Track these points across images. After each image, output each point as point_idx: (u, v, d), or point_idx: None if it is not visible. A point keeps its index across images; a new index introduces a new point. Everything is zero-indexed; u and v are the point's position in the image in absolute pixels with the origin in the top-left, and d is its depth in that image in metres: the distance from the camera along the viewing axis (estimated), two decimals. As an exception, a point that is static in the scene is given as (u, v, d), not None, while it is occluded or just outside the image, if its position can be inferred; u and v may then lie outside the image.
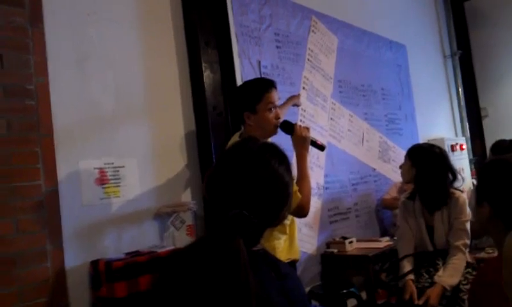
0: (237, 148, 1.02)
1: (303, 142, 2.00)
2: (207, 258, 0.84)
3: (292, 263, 2.03)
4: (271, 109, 2.00)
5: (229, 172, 0.95)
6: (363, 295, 3.11)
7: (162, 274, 0.91)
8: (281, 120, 2.04)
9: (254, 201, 0.92)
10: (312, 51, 3.59)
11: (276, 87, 2.06)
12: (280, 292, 0.92)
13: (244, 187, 0.92)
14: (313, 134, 3.46)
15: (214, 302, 0.81)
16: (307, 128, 2.03)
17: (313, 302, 2.96)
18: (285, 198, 0.99)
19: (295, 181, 1.95)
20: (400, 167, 3.81)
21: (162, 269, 0.93)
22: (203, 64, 2.68)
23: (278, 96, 2.07)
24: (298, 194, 1.90)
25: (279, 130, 2.06)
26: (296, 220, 2.10)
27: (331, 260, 3.31)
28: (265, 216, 0.93)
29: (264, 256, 0.97)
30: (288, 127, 2.04)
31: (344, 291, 2.94)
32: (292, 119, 3.21)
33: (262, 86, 2.03)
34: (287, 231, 2.01)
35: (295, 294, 0.96)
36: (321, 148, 2.12)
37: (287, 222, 2.00)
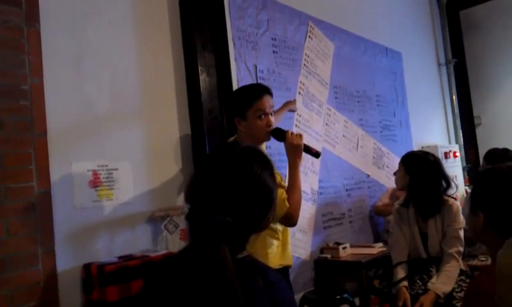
0: (218, 154, 1.00)
1: (294, 149, 1.95)
2: (192, 267, 0.82)
3: (285, 270, 2.02)
4: (260, 116, 1.95)
5: (211, 178, 0.94)
6: (357, 301, 3.10)
7: (149, 283, 0.90)
8: (273, 127, 2.00)
9: (237, 207, 0.90)
10: (308, 56, 3.60)
11: (270, 94, 2.01)
12: (268, 300, 0.91)
13: (226, 193, 0.91)
14: (309, 140, 3.47)
15: None
16: (300, 136, 1.97)
17: (306, 308, 2.95)
18: (268, 203, 0.97)
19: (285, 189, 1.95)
20: (395, 174, 3.85)
21: (149, 278, 0.92)
22: (200, 68, 2.68)
23: (271, 103, 2.01)
24: (286, 202, 1.87)
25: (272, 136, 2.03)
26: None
27: (325, 266, 3.31)
28: (249, 222, 0.92)
29: (250, 263, 0.96)
30: (280, 134, 1.99)
31: (337, 297, 2.94)
32: (287, 125, 3.24)
33: (253, 93, 1.99)
34: (280, 238, 1.99)
35: (284, 302, 0.94)
36: (316, 155, 2.06)
37: (280, 228, 1.99)
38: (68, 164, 2.14)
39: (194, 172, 0.97)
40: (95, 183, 2.23)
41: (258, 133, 1.97)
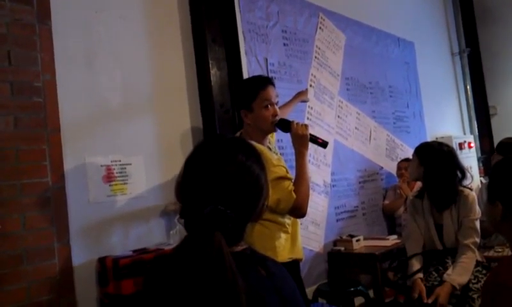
0: (202, 147, 1.00)
1: (300, 140, 1.93)
2: (188, 260, 0.82)
3: (295, 263, 1.99)
4: (267, 106, 1.93)
5: (197, 171, 0.94)
6: (371, 293, 3.09)
7: (148, 279, 0.90)
8: (280, 117, 1.98)
9: (226, 196, 0.90)
10: (319, 48, 3.57)
11: (273, 84, 1.99)
12: (273, 290, 0.90)
13: (214, 183, 0.91)
14: (320, 132, 3.45)
15: (201, 304, 0.79)
16: (305, 126, 1.95)
17: (320, 300, 2.94)
18: (257, 190, 0.96)
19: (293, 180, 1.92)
20: (401, 165, 3.81)
21: (147, 274, 0.92)
22: (210, 62, 2.67)
23: (276, 93, 2.00)
24: (293, 194, 1.85)
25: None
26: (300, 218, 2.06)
27: (338, 258, 3.29)
28: (240, 210, 0.92)
29: (251, 255, 0.96)
30: (285, 125, 1.97)
31: (351, 289, 2.92)
32: (298, 117, 3.22)
33: (257, 84, 1.98)
34: (289, 231, 1.96)
35: (288, 291, 0.94)
36: (323, 145, 2.02)
37: (288, 221, 1.95)
38: (81, 159, 2.16)
39: (181, 170, 0.97)
40: (109, 178, 2.25)
41: (264, 124, 1.95)
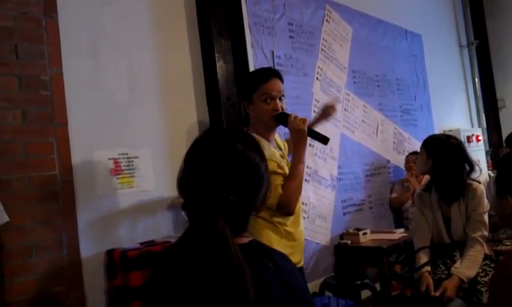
0: (201, 140, 1.00)
1: (297, 134, 1.83)
2: (194, 248, 0.81)
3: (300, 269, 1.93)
4: (266, 100, 1.85)
5: (197, 162, 0.94)
6: (377, 286, 3.08)
7: (155, 271, 0.90)
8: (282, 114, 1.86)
9: (228, 183, 0.90)
10: (325, 41, 3.55)
11: (278, 78, 1.90)
12: (279, 283, 0.90)
13: (214, 172, 0.91)
14: (327, 126, 3.43)
15: (208, 293, 0.79)
16: (304, 120, 1.84)
17: (327, 293, 2.94)
18: (257, 178, 0.96)
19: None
20: (407, 156, 3.80)
21: (154, 266, 0.92)
22: (216, 55, 2.67)
23: (280, 87, 1.89)
24: (279, 189, 1.76)
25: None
26: (303, 220, 1.95)
27: (345, 251, 3.29)
28: (242, 197, 0.91)
29: (257, 247, 0.95)
30: (283, 119, 1.87)
31: (358, 282, 2.92)
32: (305, 111, 3.21)
33: (260, 76, 1.91)
34: (281, 231, 1.85)
35: (296, 284, 0.94)
36: (323, 141, 1.88)
37: (280, 220, 1.84)
38: (89, 152, 2.17)
39: (181, 164, 0.97)
40: (116, 171, 2.26)
41: (264, 118, 1.88)
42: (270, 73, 1.92)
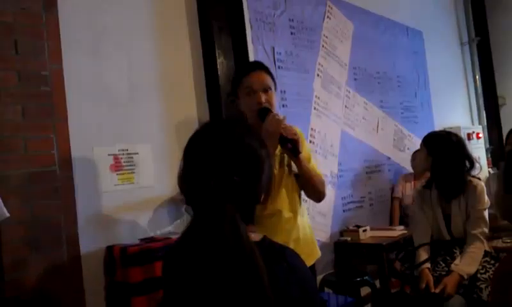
0: (199, 132, 0.99)
1: (268, 135, 1.63)
2: (203, 239, 0.81)
3: None
4: (249, 94, 1.75)
5: (197, 152, 0.93)
6: (377, 283, 3.09)
7: (164, 267, 0.90)
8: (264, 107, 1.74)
9: (228, 168, 0.89)
10: (326, 37, 3.54)
11: (264, 70, 1.79)
12: (294, 282, 0.90)
13: (215, 158, 0.90)
14: (328, 123, 3.41)
15: (222, 284, 0.79)
16: (279, 121, 1.66)
17: (327, 290, 2.95)
18: (257, 163, 0.95)
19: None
20: (413, 155, 3.80)
21: (164, 262, 0.91)
22: (217, 51, 2.66)
23: (265, 80, 1.76)
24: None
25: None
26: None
27: (345, 248, 3.29)
28: (246, 180, 0.90)
29: (270, 245, 0.95)
30: (263, 115, 1.72)
31: (358, 279, 2.92)
32: (305, 107, 3.20)
33: (242, 70, 1.86)
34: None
35: (309, 284, 0.93)
36: (293, 151, 1.68)
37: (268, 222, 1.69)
38: (89, 148, 2.17)
39: (180, 161, 0.95)
40: (116, 167, 2.26)
41: (248, 112, 1.79)
42: (254, 66, 1.85)
